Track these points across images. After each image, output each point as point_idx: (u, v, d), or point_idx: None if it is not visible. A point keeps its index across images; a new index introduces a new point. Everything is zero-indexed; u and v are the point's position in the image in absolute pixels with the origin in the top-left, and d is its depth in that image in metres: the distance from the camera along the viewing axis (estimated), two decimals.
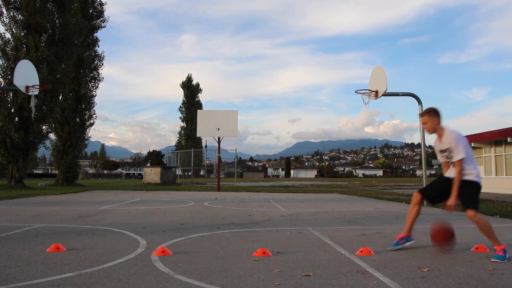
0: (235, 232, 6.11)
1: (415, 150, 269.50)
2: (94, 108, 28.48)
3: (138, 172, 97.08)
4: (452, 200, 4.37)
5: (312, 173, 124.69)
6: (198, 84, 71.46)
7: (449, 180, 4.52)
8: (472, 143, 21.11)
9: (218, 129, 21.32)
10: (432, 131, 4.58)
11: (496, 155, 20.37)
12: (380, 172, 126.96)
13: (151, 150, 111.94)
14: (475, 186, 4.41)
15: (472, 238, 5.62)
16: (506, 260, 4.08)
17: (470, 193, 4.37)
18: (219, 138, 21.35)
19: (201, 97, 71.38)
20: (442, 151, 4.57)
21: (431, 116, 4.53)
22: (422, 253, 4.56)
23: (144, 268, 3.77)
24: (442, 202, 4.66)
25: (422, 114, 4.64)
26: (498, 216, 8.61)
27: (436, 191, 4.72)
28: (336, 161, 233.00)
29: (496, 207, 10.20)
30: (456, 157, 4.35)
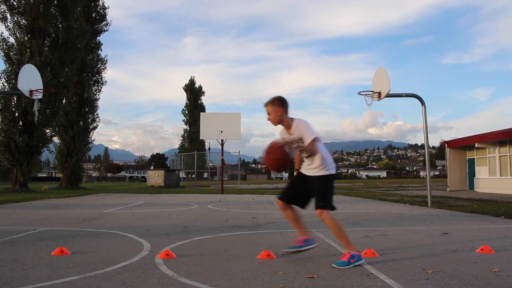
0: (239, 235, 6.11)
1: (419, 151, 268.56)
2: (97, 112, 28.62)
3: (142, 175, 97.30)
4: (295, 140, 3.98)
5: None
6: (201, 87, 71.51)
7: (304, 177, 4.19)
8: (476, 144, 21.05)
9: (221, 131, 21.34)
10: (276, 122, 4.13)
11: (500, 156, 20.27)
12: (383, 174, 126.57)
13: (154, 153, 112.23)
14: (327, 179, 4.07)
15: (477, 239, 5.60)
16: (348, 266, 3.83)
17: (322, 189, 4.04)
18: (222, 140, 21.36)
19: (204, 99, 71.03)
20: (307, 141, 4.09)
21: (275, 106, 4.09)
22: (426, 254, 4.54)
23: (148, 271, 3.77)
24: (308, 202, 4.29)
25: (265, 104, 4.17)
26: (503, 216, 8.56)
27: (295, 193, 4.28)
28: (339, 163, 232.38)
29: (501, 208, 10.15)
30: (308, 139, 3.93)
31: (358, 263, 3.90)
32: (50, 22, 21.67)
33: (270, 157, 4.01)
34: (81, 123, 27.27)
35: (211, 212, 10.08)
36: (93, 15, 28.03)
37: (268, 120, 4.16)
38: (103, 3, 28.68)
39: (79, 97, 27.01)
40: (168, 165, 65.49)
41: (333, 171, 4.13)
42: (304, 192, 4.21)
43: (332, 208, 4.09)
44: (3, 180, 59.09)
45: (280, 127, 4.24)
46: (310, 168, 4.14)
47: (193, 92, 70.70)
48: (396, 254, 4.57)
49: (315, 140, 3.96)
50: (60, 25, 22.66)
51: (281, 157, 3.98)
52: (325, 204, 4.02)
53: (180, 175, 35.86)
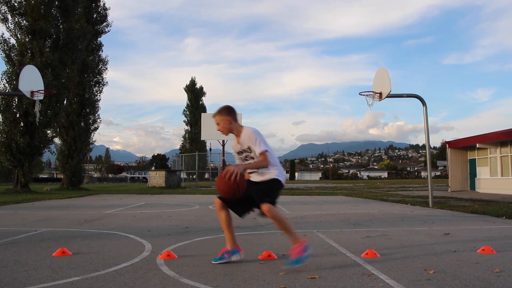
0: (240, 235, 6.10)
1: (420, 151, 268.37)
2: (98, 113, 28.65)
3: (143, 176, 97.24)
4: (237, 167, 3.78)
5: (317, 176, 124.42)
6: (202, 88, 71.56)
7: (252, 183, 4.05)
8: (477, 144, 21.03)
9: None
10: (226, 131, 4.10)
11: (501, 156, 20.25)
12: (385, 174, 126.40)
13: (155, 154, 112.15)
14: (275, 181, 3.97)
15: (479, 239, 5.59)
16: (302, 263, 3.71)
17: (270, 187, 3.94)
18: (223, 141, 21.38)
19: (205, 100, 71.04)
20: (240, 152, 4.09)
21: (222, 116, 4.06)
22: (428, 255, 4.53)
23: (150, 271, 3.77)
24: (247, 212, 4.16)
25: (214, 115, 4.15)
26: (504, 217, 8.56)
27: (237, 200, 3.98)
28: (340, 163, 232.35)
29: (503, 208, 10.14)
30: (258, 150, 3.86)
31: (309, 251, 3.82)
32: (51, 23, 21.71)
33: (220, 187, 3.83)
34: (82, 124, 27.30)
35: (212, 212, 10.08)
36: (94, 16, 28.07)
37: (218, 130, 4.15)
38: (104, 4, 28.75)
39: (80, 98, 27.03)
40: (169, 165, 65.51)
41: (284, 182, 4.07)
42: (246, 200, 4.02)
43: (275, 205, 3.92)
44: (4, 181, 59.20)
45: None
46: (261, 176, 4.03)
47: (194, 92, 70.74)
48: (397, 254, 4.57)
49: (265, 153, 3.87)
50: (61, 26, 22.72)
51: (230, 188, 3.76)
52: (272, 200, 3.85)
53: (181, 176, 35.87)
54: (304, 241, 3.87)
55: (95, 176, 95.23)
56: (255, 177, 4.08)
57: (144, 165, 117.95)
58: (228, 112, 4.09)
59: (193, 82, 71.35)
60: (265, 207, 3.76)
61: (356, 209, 11.15)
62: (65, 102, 24.67)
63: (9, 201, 14.18)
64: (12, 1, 21.25)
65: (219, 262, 4.10)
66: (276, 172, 3.99)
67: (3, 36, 21.22)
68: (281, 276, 3.59)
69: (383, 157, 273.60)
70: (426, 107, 12.08)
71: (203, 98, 71.73)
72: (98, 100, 28.51)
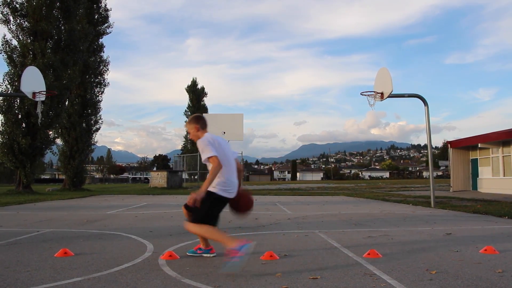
0: (242, 236, 6.11)
1: (422, 151, 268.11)
2: (100, 113, 28.65)
3: (145, 176, 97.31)
4: (197, 193, 3.89)
5: (318, 176, 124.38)
6: (203, 88, 71.63)
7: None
8: (479, 144, 20.99)
9: (224, 132, 21.34)
10: (196, 138, 4.26)
11: (503, 156, 20.21)
12: (386, 174, 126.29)
13: (157, 154, 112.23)
14: (207, 196, 3.98)
15: (481, 239, 5.58)
16: (241, 260, 3.59)
17: (201, 204, 3.96)
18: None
19: (207, 101, 71.27)
20: (204, 160, 4.06)
21: (192, 124, 4.28)
22: (430, 255, 4.53)
23: (152, 272, 3.78)
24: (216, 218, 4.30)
25: (185, 125, 4.41)
26: (506, 217, 8.55)
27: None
28: (342, 163, 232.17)
29: (505, 208, 10.12)
30: (203, 158, 3.97)
31: (246, 251, 3.64)
32: (52, 24, 21.75)
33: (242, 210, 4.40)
34: (83, 124, 27.32)
35: None
36: (96, 17, 28.10)
37: (191, 138, 4.41)
38: (105, 5, 28.76)
39: (82, 99, 27.06)
40: (171, 166, 65.49)
41: (222, 193, 4.05)
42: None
43: (199, 221, 4.02)
44: (6, 182, 59.28)
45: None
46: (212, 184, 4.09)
47: (196, 93, 70.80)
48: (399, 254, 4.56)
49: (215, 158, 3.93)
50: (62, 27, 22.75)
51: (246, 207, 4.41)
52: (195, 218, 4.04)
53: (183, 176, 35.86)
54: (237, 244, 3.69)
55: (97, 177, 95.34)
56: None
57: (145, 165, 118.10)
58: (196, 121, 4.32)
59: (194, 83, 71.42)
60: (185, 225, 4.11)
61: (358, 209, 11.14)
62: (66, 103, 24.70)
63: (11, 202, 14.21)
64: (14, 3, 21.29)
65: (190, 254, 4.55)
66: (216, 183, 4.04)
67: (5, 37, 21.30)
68: (283, 276, 3.59)
69: (385, 157, 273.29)
70: (427, 107, 12.07)
71: (204, 98, 71.78)
72: (99, 101, 28.54)
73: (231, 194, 4.13)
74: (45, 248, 5.08)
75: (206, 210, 4.02)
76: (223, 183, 4.07)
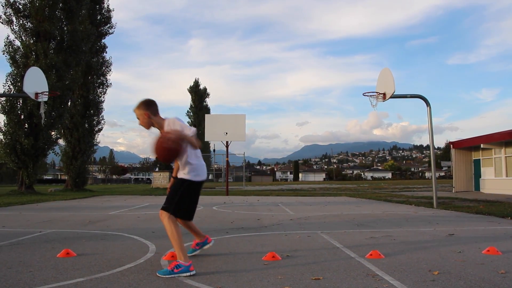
0: (244, 236, 6.11)
1: (424, 152, 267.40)
2: (102, 114, 28.78)
3: (147, 177, 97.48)
4: (173, 132, 3.67)
5: (321, 176, 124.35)
6: (205, 89, 71.77)
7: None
8: (482, 144, 20.94)
9: (226, 133, 21.35)
10: (147, 125, 3.92)
11: (506, 156, 20.15)
12: (389, 175, 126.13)
13: None
14: (181, 183, 3.91)
15: (483, 240, 5.56)
16: (170, 275, 3.58)
17: (173, 191, 3.90)
18: (227, 142, 21.38)
19: (209, 101, 71.35)
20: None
21: (141, 110, 3.88)
22: (432, 256, 4.51)
23: (154, 273, 3.78)
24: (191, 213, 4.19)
25: (134, 110, 3.95)
26: (509, 218, 8.52)
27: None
28: (344, 164, 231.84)
29: (508, 209, 10.09)
30: (189, 132, 3.75)
31: (184, 274, 3.62)
32: (55, 25, 21.83)
33: (161, 146, 3.62)
34: (86, 125, 27.39)
35: (216, 213, 10.09)
36: (98, 17, 28.19)
37: (140, 125, 3.97)
38: (108, 5, 28.87)
39: (84, 100, 27.15)
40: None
41: (195, 178, 3.94)
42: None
43: (175, 214, 3.86)
44: (9, 182, 59.46)
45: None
46: (181, 172, 3.99)
47: (198, 93, 70.91)
48: (401, 255, 4.55)
49: (195, 136, 3.80)
50: (65, 28, 22.83)
51: (172, 147, 3.61)
52: (168, 206, 3.85)
53: None
54: (186, 260, 3.69)
55: (99, 177, 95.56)
56: (179, 173, 4.03)
57: (148, 166, 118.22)
58: (146, 106, 3.89)
59: (196, 83, 71.54)
60: (160, 213, 3.87)
61: (360, 210, 11.12)
62: (69, 103, 24.79)
63: (14, 202, 14.24)
64: (17, 4, 21.38)
65: (192, 254, 4.47)
66: (187, 169, 3.91)
67: (8, 38, 21.36)
68: (285, 277, 3.59)
69: (387, 157, 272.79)
70: (430, 108, 12.04)
71: (206, 99, 71.94)
72: (102, 102, 28.63)
73: (202, 177, 4.01)
74: (47, 248, 5.09)
75: (182, 198, 3.91)
76: (201, 170, 3.98)
